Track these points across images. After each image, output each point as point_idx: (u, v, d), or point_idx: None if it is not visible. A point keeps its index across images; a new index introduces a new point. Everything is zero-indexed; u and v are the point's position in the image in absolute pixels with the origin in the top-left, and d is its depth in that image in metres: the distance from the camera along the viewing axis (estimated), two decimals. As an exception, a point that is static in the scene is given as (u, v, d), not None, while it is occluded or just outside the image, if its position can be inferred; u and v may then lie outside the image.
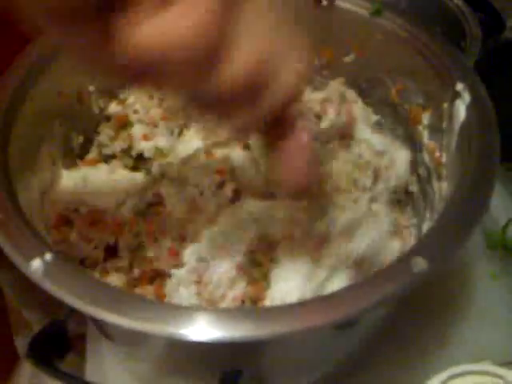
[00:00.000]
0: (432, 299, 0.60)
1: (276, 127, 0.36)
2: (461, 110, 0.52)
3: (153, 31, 0.26)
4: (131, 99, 0.65)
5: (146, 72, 0.28)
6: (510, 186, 0.70)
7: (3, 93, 0.53)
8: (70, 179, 0.58)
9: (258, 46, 0.30)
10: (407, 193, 0.61)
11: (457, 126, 0.52)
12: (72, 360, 0.43)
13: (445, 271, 0.59)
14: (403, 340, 0.58)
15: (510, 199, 0.70)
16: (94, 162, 0.63)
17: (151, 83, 0.31)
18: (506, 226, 0.66)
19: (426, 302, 0.59)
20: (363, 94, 0.67)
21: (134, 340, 0.42)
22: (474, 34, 0.75)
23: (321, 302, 0.39)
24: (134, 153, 0.64)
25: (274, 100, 0.33)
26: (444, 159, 0.55)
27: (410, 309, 0.55)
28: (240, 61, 0.29)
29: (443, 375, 0.49)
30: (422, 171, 0.60)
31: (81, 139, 0.64)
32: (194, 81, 0.29)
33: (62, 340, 0.41)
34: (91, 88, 0.64)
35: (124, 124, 0.64)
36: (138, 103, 0.65)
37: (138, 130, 0.64)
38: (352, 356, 0.54)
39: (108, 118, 0.66)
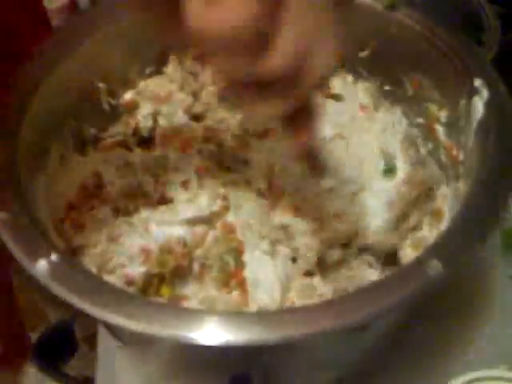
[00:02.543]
0: (449, 302, 0.59)
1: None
2: (479, 106, 0.51)
3: (214, 17, 0.31)
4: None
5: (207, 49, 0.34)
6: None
7: (13, 91, 0.53)
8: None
9: (298, 35, 0.33)
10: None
11: (474, 123, 0.51)
12: (80, 361, 0.42)
13: (462, 273, 0.58)
14: (419, 343, 0.57)
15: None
16: (109, 148, 0.62)
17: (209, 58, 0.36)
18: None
19: (442, 304, 0.57)
20: (381, 92, 0.66)
21: (141, 342, 0.41)
22: (492, 27, 0.73)
23: (332, 305, 0.38)
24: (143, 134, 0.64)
25: (304, 85, 0.36)
26: (461, 157, 0.53)
27: (427, 311, 0.54)
28: (283, 48, 0.33)
29: (459, 380, 0.48)
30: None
31: (93, 130, 0.64)
32: (241, 62, 0.34)
33: (67, 342, 0.40)
34: (101, 85, 0.64)
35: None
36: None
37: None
38: (366, 359, 0.53)
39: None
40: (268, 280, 0.47)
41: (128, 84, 0.66)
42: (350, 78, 0.65)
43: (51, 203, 0.53)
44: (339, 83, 0.65)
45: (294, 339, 0.35)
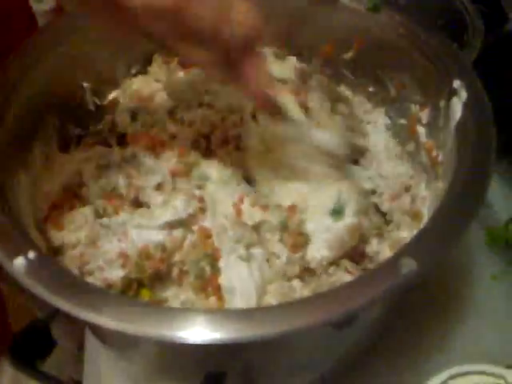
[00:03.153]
0: (432, 300, 0.59)
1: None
2: (457, 107, 0.51)
3: None
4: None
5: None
6: (511, 181, 0.69)
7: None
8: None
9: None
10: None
11: (453, 123, 0.51)
12: (57, 359, 0.42)
13: (445, 271, 0.59)
14: (402, 341, 0.57)
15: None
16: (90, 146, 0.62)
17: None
18: (509, 221, 0.64)
19: (425, 302, 0.58)
20: (365, 93, 0.66)
21: (119, 340, 0.41)
22: (476, 27, 0.74)
23: (309, 302, 0.38)
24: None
25: (235, 39, 0.43)
26: (440, 158, 0.54)
27: (410, 309, 0.55)
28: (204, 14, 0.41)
29: (443, 375, 0.48)
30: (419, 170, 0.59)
31: (77, 130, 0.64)
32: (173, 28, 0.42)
33: (44, 340, 0.40)
34: (86, 84, 0.64)
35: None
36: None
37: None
38: (348, 357, 0.53)
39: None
40: (244, 287, 0.47)
41: (114, 84, 0.67)
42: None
43: (34, 202, 0.54)
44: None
45: (273, 336, 0.36)
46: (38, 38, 0.59)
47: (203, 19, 0.41)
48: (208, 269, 0.48)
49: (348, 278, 0.49)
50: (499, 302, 0.61)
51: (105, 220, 0.52)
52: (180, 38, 0.43)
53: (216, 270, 0.48)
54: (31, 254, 0.39)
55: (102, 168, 0.56)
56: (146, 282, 0.50)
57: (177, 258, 0.50)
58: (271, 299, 0.48)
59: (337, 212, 0.51)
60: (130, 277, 0.50)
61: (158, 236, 0.51)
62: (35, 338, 0.40)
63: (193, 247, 0.50)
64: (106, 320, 0.36)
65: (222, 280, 0.48)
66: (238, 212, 0.53)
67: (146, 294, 0.50)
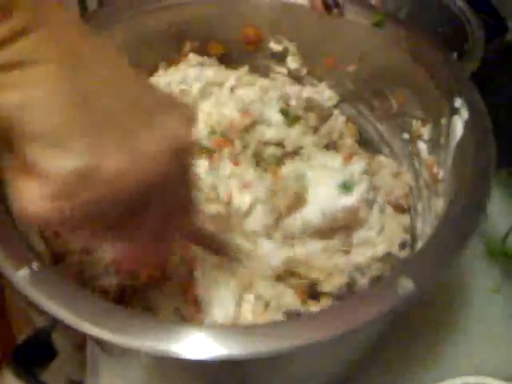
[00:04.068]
0: (430, 311, 0.60)
1: None
2: (458, 126, 0.52)
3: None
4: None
5: None
6: (510, 192, 0.69)
7: None
8: None
9: None
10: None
11: (454, 142, 0.52)
12: (59, 368, 0.43)
13: (442, 283, 0.59)
14: (397, 353, 0.58)
15: (511, 205, 0.69)
16: None
17: None
18: (507, 234, 0.65)
19: (423, 314, 0.58)
20: (368, 106, 0.67)
21: (121, 351, 0.42)
22: (476, 37, 0.74)
23: (307, 321, 0.39)
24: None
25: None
26: (441, 175, 0.54)
27: (405, 320, 0.55)
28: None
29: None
30: (421, 187, 0.59)
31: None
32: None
33: (46, 349, 0.41)
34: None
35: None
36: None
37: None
38: (343, 370, 0.54)
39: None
40: (221, 296, 0.48)
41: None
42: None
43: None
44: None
45: (281, 352, 0.36)
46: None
47: None
48: (185, 275, 0.49)
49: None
50: (499, 314, 0.62)
51: None
52: None
53: (192, 279, 0.49)
54: (35, 265, 0.40)
55: None
56: (140, 289, 0.51)
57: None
58: (247, 311, 0.48)
59: (346, 187, 0.53)
60: (124, 284, 0.50)
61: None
62: (37, 348, 0.40)
63: (173, 253, 0.51)
64: (107, 334, 0.37)
65: (199, 292, 0.48)
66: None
67: (138, 304, 0.50)
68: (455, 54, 0.74)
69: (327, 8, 0.64)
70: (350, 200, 0.53)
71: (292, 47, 0.68)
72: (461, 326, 0.61)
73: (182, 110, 0.36)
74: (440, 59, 0.57)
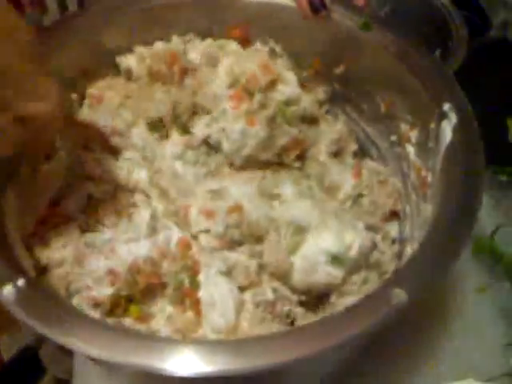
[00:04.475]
0: (417, 312, 0.59)
1: None
2: (447, 130, 0.52)
3: None
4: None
5: None
6: (496, 192, 0.69)
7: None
8: None
9: None
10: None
11: (442, 146, 0.52)
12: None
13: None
14: (386, 355, 0.58)
15: (497, 206, 0.69)
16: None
17: None
18: (494, 232, 0.65)
19: (410, 315, 0.58)
20: (356, 109, 0.67)
21: (107, 366, 0.41)
22: (460, 35, 0.74)
23: (300, 333, 0.38)
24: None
25: None
26: (429, 179, 0.54)
27: (393, 326, 0.55)
28: None
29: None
30: (409, 190, 0.59)
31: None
32: None
33: (34, 367, 0.40)
34: (73, 96, 0.63)
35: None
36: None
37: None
38: (334, 374, 0.53)
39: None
40: (223, 303, 0.47)
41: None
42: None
43: (22, 218, 0.53)
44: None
45: (261, 369, 0.36)
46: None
47: None
48: (187, 281, 0.48)
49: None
50: (486, 314, 0.62)
51: (90, 237, 0.52)
52: None
53: (195, 284, 0.48)
54: (20, 281, 0.39)
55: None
56: (137, 297, 0.50)
57: (163, 269, 0.50)
58: (246, 319, 0.48)
59: (337, 260, 0.51)
60: (120, 294, 0.49)
61: (145, 248, 0.51)
62: (25, 366, 0.39)
63: (173, 260, 0.50)
64: (96, 351, 0.36)
65: (202, 294, 0.48)
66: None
67: (134, 311, 0.50)
68: (438, 52, 0.75)
69: (314, 10, 0.63)
70: (335, 274, 0.51)
71: (278, 48, 0.68)
72: (448, 327, 0.61)
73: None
74: (428, 63, 0.57)
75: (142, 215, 0.54)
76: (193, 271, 0.49)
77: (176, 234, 0.52)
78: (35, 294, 0.39)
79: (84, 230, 0.54)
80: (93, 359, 0.40)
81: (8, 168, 0.53)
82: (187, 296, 0.48)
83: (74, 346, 0.36)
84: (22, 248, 0.50)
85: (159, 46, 0.65)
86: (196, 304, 0.48)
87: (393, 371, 0.57)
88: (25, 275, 0.40)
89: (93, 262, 0.50)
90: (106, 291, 0.48)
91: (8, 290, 0.38)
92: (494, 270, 0.65)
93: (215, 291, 0.48)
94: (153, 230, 0.53)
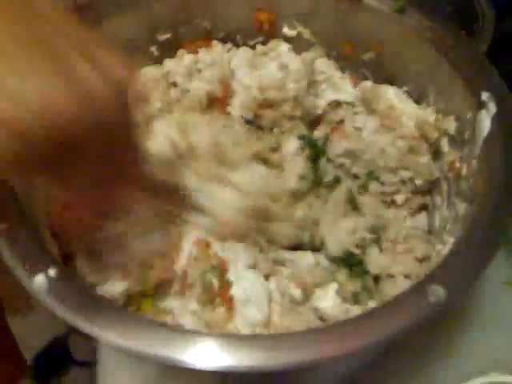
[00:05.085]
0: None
1: None
2: (485, 121, 0.50)
3: None
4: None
5: None
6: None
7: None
8: None
9: None
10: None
11: (480, 138, 0.50)
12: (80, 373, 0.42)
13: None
14: (411, 351, 0.57)
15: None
16: None
17: None
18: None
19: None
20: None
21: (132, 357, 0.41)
22: (486, 16, 0.72)
23: (331, 331, 0.37)
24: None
25: None
26: (464, 171, 0.52)
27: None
28: None
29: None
30: (441, 180, 0.58)
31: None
32: None
33: (64, 356, 0.40)
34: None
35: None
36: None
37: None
38: (356, 371, 0.53)
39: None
40: (257, 296, 0.47)
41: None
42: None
43: (48, 203, 0.52)
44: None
45: (297, 365, 0.35)
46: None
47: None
48: (215, 282, 0.47)
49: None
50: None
51: (104, 230, 0.51)
52: None
53: (225, 282, 0.48)
54: (51, 271, 0.39)
55: None
56: (150, 292, 0.50)
57: (178, 268, 0.49)
58: (277, 307, 0.48)
59: None
60: (133, 289, 0.48)
61: (156, 243, 0.50)
62: (55, 355, 0.39)
63: (194, 260, 0.49)
64: (125, 342, 0.36)
65: (235, 292, 0.47)
66: None
67: (148, 306, 0.49)
68: (464, 34, 0.72)
69: None
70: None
71: (307, 33, 0.66)
72: (477, 320, 0.60)
73: (123, 58, 0.34)
74: (465, 50, 0.55)
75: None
76: (220, 270, 0.48)
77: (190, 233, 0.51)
78: (66, 284, 0.39)
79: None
80: (119, 349, 0.40)
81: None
82: (219, 296, 0.47)
83: (101, 336, 0.36)
84: (49, 235, 0.49)
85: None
86: (228, 301, 0.47)
87: (412, 368, 0.56)
88: (55, 264, 0.39)
89: (105, 255, 0.49)
90: (118, 287, 0.47)
91: (40, 279, 0.38)
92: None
93: (247, 286, 0.47)
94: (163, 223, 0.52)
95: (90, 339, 0.38)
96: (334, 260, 0.54)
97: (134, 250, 0.49)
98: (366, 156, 0.59)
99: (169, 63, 0.64)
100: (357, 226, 0.54)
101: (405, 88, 0.62)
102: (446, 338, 0.58)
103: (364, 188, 0.60)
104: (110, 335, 0.36)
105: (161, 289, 0.50)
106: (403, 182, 0.59)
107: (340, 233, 0.53)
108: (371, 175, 0.60)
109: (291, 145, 0.61)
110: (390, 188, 0.59)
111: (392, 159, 0.58)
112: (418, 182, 0.58)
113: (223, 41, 0.66)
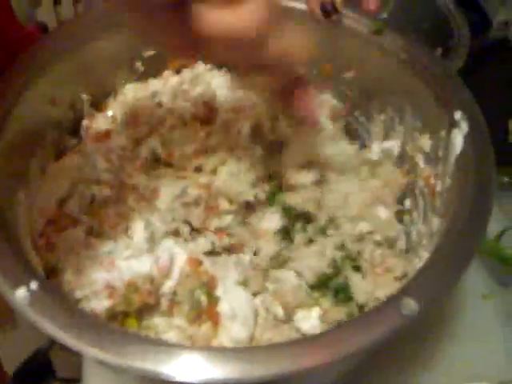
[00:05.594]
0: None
1: None
2: (458, 139, 0.52)
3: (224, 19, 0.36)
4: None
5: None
6: (501, 196, 0.69)
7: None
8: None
9: None
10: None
11: (453, 156, 0.52)
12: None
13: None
14: (391, 362, 0.58)
15: (501, 210, 0.69)
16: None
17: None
18: (500, 234, 0.66)
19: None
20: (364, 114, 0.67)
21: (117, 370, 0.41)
22: (462, 33, 0.74)
23: (308, 342, 0.38)
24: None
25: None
26: (438, 188, 0.54)
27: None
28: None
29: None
30: (417, 196, 0.59)
31: (75, 141, 0.63)
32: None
33: (46, 368, 0.40)
34: (84, 96, 0.63)
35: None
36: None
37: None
38: (339, 381, 0.54)
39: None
40: (243, 313, 0.47)
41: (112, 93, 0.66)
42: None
43: (31, 219, 0.53)
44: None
45: (274, 377, 0.36)
46: (38, 51, 0.57)
47: (275, 53, 0.41)
48: (204, 299, 0.48)
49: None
50: (491, 319, 0.62)
51: (91, 247, 0.51)
52: (249, 66, 0.45)
53: (213, 299, 0.48)
54: (33, 285, 0.39)
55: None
56: (133, 313, 0.50)
57: (167, 288, 0.50)
58: (260, 321, 0.49)
59: None
60: (117, 309, 0.49)
61: (145, 266, 0.50)
62: (36, 369, 0.40)
63: (185, 277, 0.50)
64: (109, 357, 0.36)
65: (222, 308, 0.47)
66: None
67: (132, 324, 0.49)
68: (440, 50, 0.74)
69: (326, 14, 0.63)
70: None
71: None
72: (454, 332, 0.61)
73: None
74: (439, 70, 0.57)
75: (141, 230, 0.53)
76: (209, 287, 0.49)
77: (181, 253, 0.52)
78: (48, 297, 0.39)
79: (88, 234, 0.54)
80: (101, 363, 0.41)
81: (18, 168, 0.53)
82: (206, 313, 0.48)
83: (83, 350, 0.37)
84: (33, 249, 0.50)
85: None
86: (214, 317, 0.47)
87: (393, 379, 0.57)
88: (37, 278, 0.40)
89: (92, 272, 0.49)
90: (103, 304, 0.47)
91: (21, 292, 0.38)
92: (500, 274, 0.65)
93: (235, 303, 0.48)
94: (152, 247, 0.53)
95: (72, 353, 0.39)
96: (314, 287, 0.54)
97: (121, 271, 0.50)
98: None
99: (155, 83, 0.66)
100: (324, 247, 0.54)
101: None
102: (422, 351, 0.59)
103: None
104: (92, 349, 0.37)
105: (146, 308, 0.50)
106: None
107: (309, 258, 0.54)
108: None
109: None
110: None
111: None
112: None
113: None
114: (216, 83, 0.64)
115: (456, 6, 0.77)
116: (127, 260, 0.50)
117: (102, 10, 0.62)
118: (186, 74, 0.66)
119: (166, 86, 0.64)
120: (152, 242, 0.53)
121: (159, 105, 0.63)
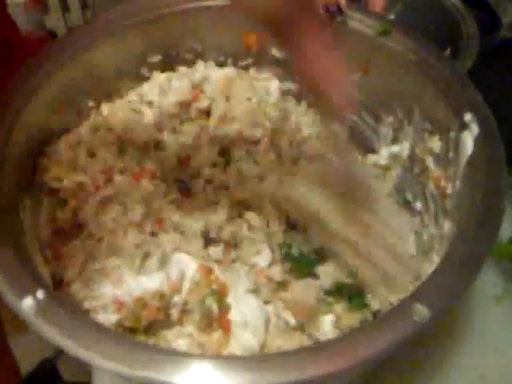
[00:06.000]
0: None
1: None
2: (468, 141, 0.51)
3: None
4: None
5: None
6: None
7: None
8: None
9: None
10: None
11: (463, 158, 0.51)
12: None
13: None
14: (401, 366, 0.57)
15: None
16: None
17: None
18: (513, 237, 0.64)
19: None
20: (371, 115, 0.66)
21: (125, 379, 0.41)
22: (471, 34, 0.73)
23: (320, 351, 0.38)
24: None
25: None
26: (449, 190, 0.53)
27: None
28: None
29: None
30: (428, 198, 0.58)
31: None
32: None
33: (53, 378, 0.40)
34: (91, 103, 0.63)
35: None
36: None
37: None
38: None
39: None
40: (254, 320, 0.47)
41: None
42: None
43: (38, 228, 0.53)
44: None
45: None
46: (36, 64, 0.57)
47: None
48: (215, 306, 0.47)
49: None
50: (501, 324, 0.61)
51: (98, 261, 0.51)
52: None
53: (224, 306, 0.48)
54: (40, 294, 0.39)
55: None
56: (140, 331, 0.49)
57: (177, 299, 0.49)
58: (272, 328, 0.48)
59: None
60: (125, 324, 0.48)
61: (155, 282, 0.50)
62: (44, 377, 0.39)
63: (196, 286, 0.49)
64: (117, 366, 0.36)
65: (233, 316, 0.47)
66: None
67: (141, 337, 0.49)
68: (448, 51, 0.74)
69: (330, 15, 0.62)
70: None
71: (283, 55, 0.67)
72: (464, 337, 0.60)
73: None
74: (448, 71, 0.56)
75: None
76: (220, 294, 0.49)
77: (192, 265, 0.51)
78: (54, 307, 0.39)
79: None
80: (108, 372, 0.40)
81: (24, 179, 0.53)
82: (217, 320, 0.47)
83: (90, 360, 0.36)
84: (41, 259, 0.50)
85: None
86: (225, 324, 0.47)
87: (403, 382, 0.56)
88: (44, 287, 0.40)
89: (100, 286, 0.49)
90: (111, 318, 0.47)
91: (28, 302, 0.38)
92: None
93: (246, 310, 0.47)
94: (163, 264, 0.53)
95: (80, 362, 0.38)
96: (330, 293, 0.53)
97: (130, 287, 0.49)
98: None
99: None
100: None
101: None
102: (433, 354, 0.59)
103: None
104: (99, 359, 0.36)
105: (155, 323, 0.49)
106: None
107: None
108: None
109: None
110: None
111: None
112: None
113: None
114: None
115: (465, 5, 0.76)
116: (136, 277, 0.50)
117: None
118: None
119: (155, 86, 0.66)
120: (163, 262, 0.52)
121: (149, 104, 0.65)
